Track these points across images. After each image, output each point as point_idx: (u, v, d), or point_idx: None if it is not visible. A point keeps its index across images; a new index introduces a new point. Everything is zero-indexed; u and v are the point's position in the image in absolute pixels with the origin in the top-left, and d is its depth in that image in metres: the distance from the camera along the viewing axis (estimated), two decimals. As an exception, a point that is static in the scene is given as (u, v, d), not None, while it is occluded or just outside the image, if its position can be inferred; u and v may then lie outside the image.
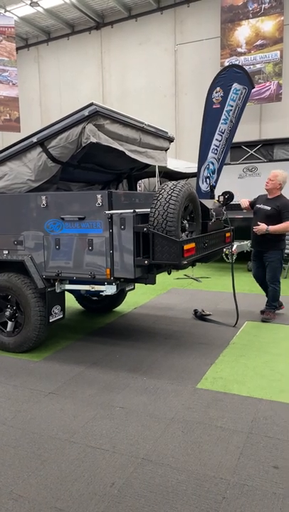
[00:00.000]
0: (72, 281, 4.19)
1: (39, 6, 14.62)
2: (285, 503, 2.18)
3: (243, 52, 13.08)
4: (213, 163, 7.96)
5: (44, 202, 4.03)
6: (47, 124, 4.14)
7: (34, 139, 4.06)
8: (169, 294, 7.00)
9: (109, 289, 3.97)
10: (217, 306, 6.04)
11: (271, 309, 5.38)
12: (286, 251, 8.49)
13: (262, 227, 5.09)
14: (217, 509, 2.14)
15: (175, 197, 3.75)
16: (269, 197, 5.30)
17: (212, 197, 7.13)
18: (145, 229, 3.69)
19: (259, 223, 5.16)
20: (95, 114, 3.79)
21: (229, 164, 9.33)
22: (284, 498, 2.21)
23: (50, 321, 4.21)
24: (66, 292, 4.46)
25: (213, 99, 7.72)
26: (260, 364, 3.99)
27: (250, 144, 9.80)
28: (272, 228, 5.05)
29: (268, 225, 5.09)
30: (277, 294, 5.35)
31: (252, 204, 5.48)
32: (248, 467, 2.46)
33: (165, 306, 6.17)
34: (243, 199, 5.55)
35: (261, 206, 5.26)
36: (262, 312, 5.47)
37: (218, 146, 7.86)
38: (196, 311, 5.66)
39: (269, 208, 5.17)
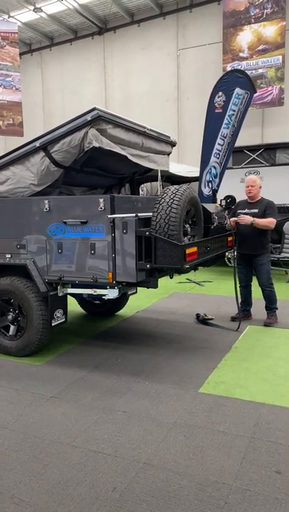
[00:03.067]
0: (74, 285, 4.20)
1: (42, 11, 14.73)
2: (288, 508, 2.17)
3: (245, 57, 13.13)
4: (215, 168, 7.96)
5: (47, 206, 4.04)
6: (50, 128, 4.16)
7: (37, 144, 4.08)
8: (171, 298, 7.00)
9: (112, 293, 3.97)
10: (219, 310, 6.03)
11: (272, 312, 5.38)
12: (286, 255, 8.52)
13: (247, 218, 5.09)
14: (219, 514, 2.13)
15: (177, 201, 3.76)
16: (251, 201, 5.35)
17: (214, 201, 7.15)
18: (147, 233, 3.69)
19: (243, 216, 5.15)
20: (98, 119, 3.82)
21: (231, 168, 9.33)
22: (286, 504, 2.20)
23: (53, 324, 4.21)
24: (68, 296, 4.46)
25: (216, 104, 7.74)
26: (263, 368, 3.98)
27: (253, 148, 9.81)
28: (257, 221, 5.07)
29: (256, 228, 5.11)
30: (274, 296, 5.35)
31: (233, 214, 5.43)
32: (250, 472, 2.45)
33: (167, 310, 6.16)
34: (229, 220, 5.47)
35: (246, 211, 5.29)
36: (233, 318, 5.50)
37: (220, 151, 7.87)
38: (198, 315, 5.66)
39: (257, 210, 5.23)
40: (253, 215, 5.17)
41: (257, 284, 5.42)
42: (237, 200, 5.32)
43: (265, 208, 5.18)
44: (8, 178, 4.32)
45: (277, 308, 5.41)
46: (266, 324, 5.27)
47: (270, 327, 5.23)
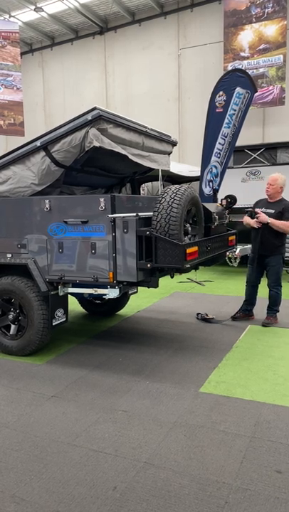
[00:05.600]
0: (75, 285, 4.20)
1: (43, 11, 14.72)
2: (288, 507, 2.17)
3: (246, 57, 13.11)
4: (216, 167, 7.97)
5: (47, 206, 4.04)
6: (51, 128, 4.16)
7: (38, 143, 4.09)
8: (172, 297, 7.00)
9: (112, 293, 3.97)
10: (220, 310, 6.02)
11: (273, 314, 5.36)
12: (288, 254, 8.51)
13: (264, 217, 5.06)
14: (219, 513, 2.13)
15: (178, 200, 3.75)
16: (270, 201, 5.29)
17: (215, 200, 7.15)
18: (148, 232, 3.70)
19: (260, 213, 5.11)
20: (98, 119, 3.81)
21: (232, 168, 9.33)
22: (287, 503, 2.20)
23: (53, 324, 4.22)
24: (69, 295, 4.46)
25: (216, 103, 7.74)
26: (263, 368, 3.98)
27: (254, 148, 9.80)
28: (273, 221, 5.03)
29: (271, 228, 5.08)
30: (279, 298, 5.33)
31: (251, 213, 5.37)
32: (250, 471, 2.45)
33: (168, 310, 6.16)
34: (245, 218, 5.44)
35: (264, 210, 5.24)
36: (233, 318, 5.50)
37: (221, 150, 7.88)
38: (198, 314, 5.67)
39: (273, 211, 5.16)
40: (269, 215, 5.13)
41: (264, 285, 5.40)
42: (238, 200, 5.31)
43: (283, 210, 5.10)
44: (9, 177, 4.33)
45: (278, 311, 5.39)
46: (264, 324, 5.26)
47: (272, 327, 5.22)
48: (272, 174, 5.30)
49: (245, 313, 5.53)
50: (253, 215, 5.20)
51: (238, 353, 4.39)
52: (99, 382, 3.72)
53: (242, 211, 5.72)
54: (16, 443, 2.80)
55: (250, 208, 5.38)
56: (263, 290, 5.50)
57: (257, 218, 5.11)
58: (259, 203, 5.41)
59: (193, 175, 10.50)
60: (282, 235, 5.18)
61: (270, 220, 5.03)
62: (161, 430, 2.92)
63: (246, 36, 13.04)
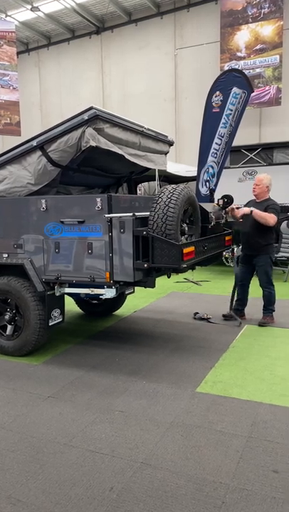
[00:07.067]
0: (71, 285, 4.18)
1: (40, 10, 14.70)
2: (285, 507, 2.17)
3: (242, 57, 13.14)
4: (212, 167, 7.97)
5: (44, 205, 4.03)
6: (47, 128, 4.15)
7: (34, 143, 4.07)
8: (168, 297, 7.00)
9: (109, 293, 3.97)
10: (217, 310, 6.02)
11: (268, 313, 5.37)
12: (287, 254, 8.53)
13: (246, 209, 5.14)
14: (216, 514, 2.13)
15: (174, 200, 3.75)
16: (258, 201, 5.37)
17: (212, 200, 7.15)
18: (145, 232, 3.69)
19: (241, 207, 5.24)
20: (95, 118, 3.81)
21: (229, 168, 9.34)
22: (283, 503, 2.20)
23: (50, 324, 4.20)
24: (66, 296, 4.45)
25: (213, 103, 7.75)
26: (260, 368, 3.98)
27: (250, 148, 9.82)
28: (256, 212, 5.08)
29: (257, 227, 5.13)
30: (273, 298, 5.35)
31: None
32: (247, 471, 2.45)
33: (165, 310, 6.16)
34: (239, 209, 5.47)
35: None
36: (224, 316, 5.52)
37: (217, 150, 7.88)
38: (196, 314, 5.67)
39: (259, 209, 5.21)
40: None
41: (255, 285, 5.41)
42: (234, 200, 5.32)
43: (266, 207, 5.17)
44: (5, 177, 4.31)
45: (274, 310, 5.40)
46: (260, 324, 5.27)
47: (268, 326, 5.23)
48: (259, 175, 5.36)
49: (237, 312, 5.55)
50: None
51: (235, 352, 4.39)
52: (95, 383, 3.71)
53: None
54: (12, 444, 2.79)
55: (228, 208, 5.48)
56: (258, 290, 5.51)
57: (238, 212, 5.20)
58: (249, 203, 5.49)
59: (189, 175, 10.50)
60: (267, 234, 5.23)
61: (254, 211, 5.07)
62: (158, 430, 2.91)
63: (243, 36, 13.08)
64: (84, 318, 5.88)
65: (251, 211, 5.08)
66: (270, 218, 5.07)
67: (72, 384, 3.70)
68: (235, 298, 5.58)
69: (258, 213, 5.08)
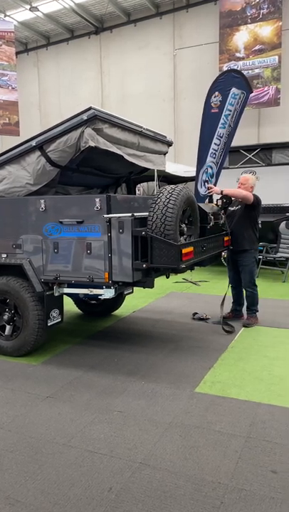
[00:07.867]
0: (70, 285, 4.18)
1: (39, 10, 14.69)
2: (283, 507, 2.17)
3: (241, 57, 13.15)
4: (211, 167, 7.97)
5: (43, 206, 4.03)
6: (46, 128, 4.15)
7: (33, 143, 4.07)
8: (167, 297, 7.00)
9: (108, 293, 3.96)
10: (216, 310, 6.01)
11: (252, 314, 5.38)
12: (285, 254, 8.54)
13: (216, 189, 5.30)
14: (215, 514, 2.13)
15: (173, 201, 3.75)
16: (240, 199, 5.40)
17: (210, 201, 7.14)
18: (143, 233, 3.69)
19: (212, 187, 5.45)
20: (94, 118, 3.81)
21: (228, 168, 9.35)
22: (282, 503, 2.20)
23: (49, 324, 4.20)
24: (64, 296, 4.45)
25: (212, 104, 7.74)
26: (259, 368, 3.99)
27: (249, 148, 9.83)
28: (227, 190, 5.24)
29: (240, 224, 5.21)
30: (256, 298, 5.36)
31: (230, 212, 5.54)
32: (246, 472, 2.46)
33: (164, 310, 6.16)
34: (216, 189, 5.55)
35: (234, 208, 5.39)
36: (223, 318, 5.50)
37: (216, 150, 7.88)
38: (195, 314, 5.67)
39: (240, 206, 5.30)
40: (237, 210, 5.32)
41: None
42: (231, 201, 5.36)
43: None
44: (4, 177, 4.31)
45: (257, 311, 5.40)
46: (245, 325, 5.27)
47: (267, 327, 5.23)
48: (244, 175, 5.52)
49: (234, 313, 5.56)
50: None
51: (234, 353, 4.39)
52: (94, 383, 3.71)
53: None
54: (11, 444, 2.79)
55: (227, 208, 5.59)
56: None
57: (210, 193, 5.42)
58: (234, 202, 5.54)
59: (188, 175, 10.51)
60: (249, 227, 5.27)
61: (224, 190, 5.23)
62: (156, 431, 2.92)
63: (242, 37, 13.09)
64: (83, 318, 5.88)
65: (222, 191, 5.19)
66: (244, 195, 5.14)
67: (71, 384, 3.70)
68: (232, 299, 5.58)
69: (230, 191, 5.21)
